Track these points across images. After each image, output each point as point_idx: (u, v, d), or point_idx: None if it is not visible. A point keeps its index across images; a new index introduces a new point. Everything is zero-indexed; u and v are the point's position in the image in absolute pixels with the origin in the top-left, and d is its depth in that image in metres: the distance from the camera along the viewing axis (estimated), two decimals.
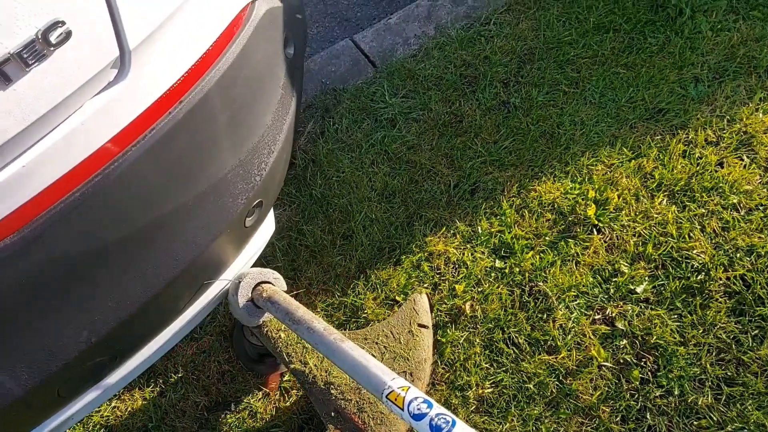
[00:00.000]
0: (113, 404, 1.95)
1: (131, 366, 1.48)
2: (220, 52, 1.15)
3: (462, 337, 1.94)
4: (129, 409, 1.94)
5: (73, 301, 1.14)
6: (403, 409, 1.36)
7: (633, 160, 2.18)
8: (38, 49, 0.86)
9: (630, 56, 2.41)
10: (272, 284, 1.70)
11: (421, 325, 1.87)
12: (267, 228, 1.68)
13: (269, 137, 1.35)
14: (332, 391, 1.76)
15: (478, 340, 1.94)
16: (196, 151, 1.19)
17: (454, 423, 1.28)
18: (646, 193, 2.12)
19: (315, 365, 1.75)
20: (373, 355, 1.59)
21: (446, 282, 2.04)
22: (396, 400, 1.38)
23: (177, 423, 1.91)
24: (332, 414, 1.76)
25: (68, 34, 0.89)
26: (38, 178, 0.99)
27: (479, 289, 2.02)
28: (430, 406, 1.33)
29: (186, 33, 1.08)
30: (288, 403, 1.93)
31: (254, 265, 1.75)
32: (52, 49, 0.88)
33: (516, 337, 1.94)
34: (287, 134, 1.43)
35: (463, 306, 1.99)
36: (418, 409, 1.33)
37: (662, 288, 1.96)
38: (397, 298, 2.03)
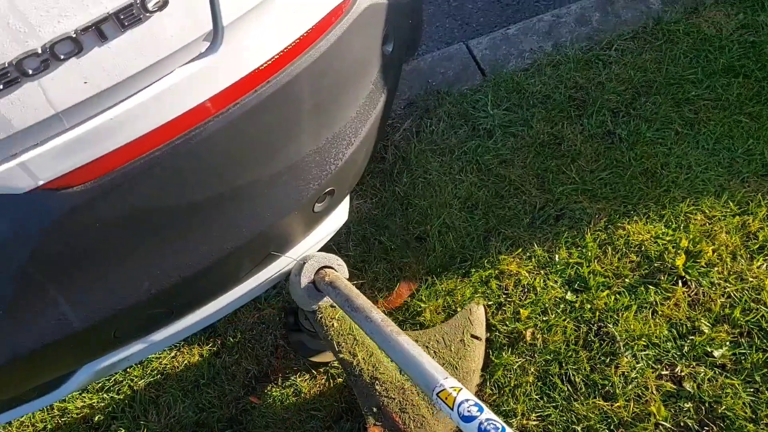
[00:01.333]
0: (172, 354, 2.05)
1: (188, 323, 1.55)
2: (313, 41, 1.17)
3: (517, 363, 1.89)
4: (186, 362, 2.04)
5: (140, 252, 1.21)
6: (452, 409, 1.34)
7: (737, 216, 2.03)
8: (135, 13, 0.92)
9: (756, 105, 2.24)
10: (335, 270, 1.73)
11: (474, 336, 1.84)
12: (339, 217, 1.70)
13: (351, 129, 1.37)
14: (377, 387, 1.76)
15: (532, 370, 1.88)
16: (276, 132, 1.23)
17: (503, 430, 1.25)
18: (745, 253, 1.97)
19: (363, 358, 1.76)
20: None
21: (511, 304, 1.99)
22: (447, 399, 1.36)
23: (226, 385, 1.98)
24: (374, 409, 1.77)
25: (165, 3, 0.94)
26: (124, 131, 1.05)
27: (544, 318, 1.95)
28: (480, 410, 1.30)
29: (281, 17, 1.11)
30: (332, 390, 1.96)
31: (321, 250, 1.78)
32: (148, 14, 0.93)
33: (573, 374, 1.86)
34: (371, 129, 1.44)
35: (524, 332, 1.94)
36: (468, 411, 1.31)
37: (743, 357, 1.81)
38: (458, 309, 2.00)
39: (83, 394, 2.02)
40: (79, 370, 1.50)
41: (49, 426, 1.98)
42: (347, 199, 1.74)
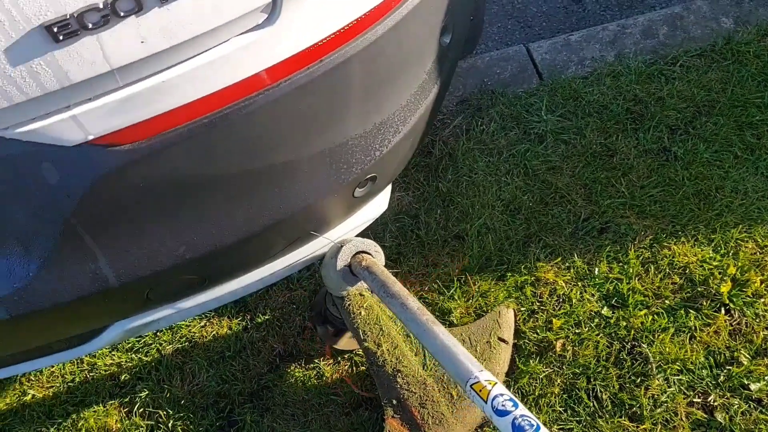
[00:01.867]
0: (202, 323, 2.08)
1: (220, 293, 1.57)
2: (370, 24, 1.16)
3: (544, 372, 1.86)
4: (214, 332, 2.06)
5: (178, 216, 1.22)
6: (486, 402, 1.31)
7: None
8: None
9: None
10: (372, 256, 1.72)
11: (500, 339, 1.82)
12: (378, 205, 1.69)
13: (399, 117, 1.36)
14: (398, 380, 1.75)
15: (559, 381, 1.85)
16: (324, 112, 1.22)
17: (538, 428, 1.22)
18: None
19: (387, 350, 1.75)
20: None
21: (545, 312, 1.96)
22: (480, 391, 1.33)
23: (250, 360, 2.00)
24: (393, 401, 1.76)
25: None
26: (175, 95, 1.06)
27: (577, 331, 1.91)
28: (515, 405, 1.27)
29: None
30: (354, 377, 1.95)
31: (358, 237, 1.77)
32: None
33: (601, 391, 1.82)
34: (420, 119, 1.42)
35: (554, 342, 1.90)
36: (503, 405, 1.28)
37: None
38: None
39: (112, 352, 2.06)
40: (110, 327, 1.53)
41: (77, 379, 2.04)
42: (388, 189, 1.73)
